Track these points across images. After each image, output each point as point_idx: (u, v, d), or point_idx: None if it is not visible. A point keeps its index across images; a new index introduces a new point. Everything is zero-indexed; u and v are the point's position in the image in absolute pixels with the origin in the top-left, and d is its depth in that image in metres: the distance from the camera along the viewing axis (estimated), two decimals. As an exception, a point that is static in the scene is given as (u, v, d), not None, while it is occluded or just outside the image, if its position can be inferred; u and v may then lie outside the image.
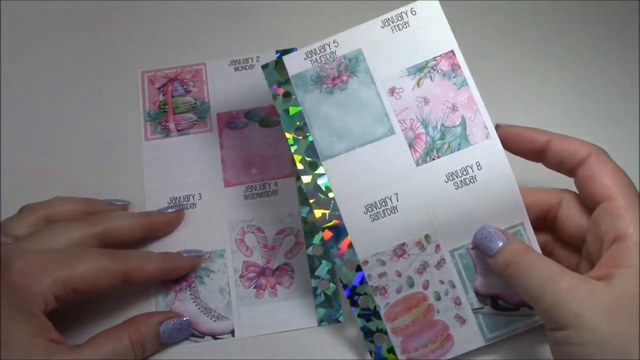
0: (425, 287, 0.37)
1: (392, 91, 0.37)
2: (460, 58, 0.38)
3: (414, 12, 0.38)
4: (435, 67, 0.38)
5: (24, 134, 0.46)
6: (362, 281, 0.37)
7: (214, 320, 0.40)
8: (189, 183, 0.43)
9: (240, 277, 0.41)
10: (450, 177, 0.37)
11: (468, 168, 0.37)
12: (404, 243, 0.37)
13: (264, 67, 0.38)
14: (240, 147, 0.44)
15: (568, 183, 0.37)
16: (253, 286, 0.41)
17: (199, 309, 0.40)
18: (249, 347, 0.39)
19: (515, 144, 0.37)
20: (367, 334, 0.37)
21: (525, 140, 0.36)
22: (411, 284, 0.37)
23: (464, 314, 0.37)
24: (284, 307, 0.40)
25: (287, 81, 0.38)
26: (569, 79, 0.47)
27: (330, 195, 0.37)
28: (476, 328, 0.37)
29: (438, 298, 0.37)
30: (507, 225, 0.37)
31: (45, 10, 0.50)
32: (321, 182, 0.37)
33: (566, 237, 0.37)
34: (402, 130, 0.37)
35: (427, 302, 0.37)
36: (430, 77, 0.38)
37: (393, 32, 0.38)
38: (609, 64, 0.47)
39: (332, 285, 0.41)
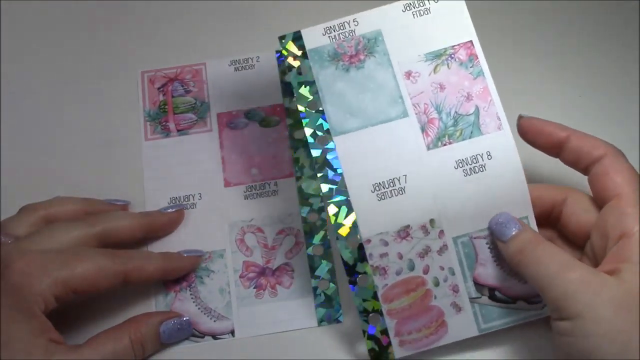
0: (426, 271, 0.37)
1: (408, 75, 0.38)
2: (478, 49, 0.38)
3: (436, 0, 0.39)
4: (453, 55, 0.38)
5: (24, 134, 0.46)
6: (363, 259, 0.36)
7: (214, 320, 0.40)
8: (189, 183, 0.43)
9: (240, 277, 0.41)
10: (460, 164, 0.37)
11: (478, 157, 0.37)
12: (409, 225, 0.37)
13: (281, 37, 0.38)
14: (240, 147, 0.44)
15: (574, 184, 0.37)
16: (253, 286, 0.41)
17: (199, 309, 0.40)
18: (249, 347, 0.39)
19: (535, 136, 0.37)
20: (363, 313, 0.37)
21: (545, 134, 0.37)
22: (411, 267, 0.37)
23: (461, 302, 0.37)
24: (284, 307, 0.40)
25: (304, 55, 0.38)
26: (569, 79, 0.47)
27: (339, 170, 0.37)
28: (471, 317, 0.37)
29: (437, 284, 0.37)
30: None
31: (45, 10, 0.50)
32: (330, 157, 0.37)
33: (569, 233, 0.37)
34: (416, 114, 0.37)
35: (425, 287, 0.37)
36: (448, 64, 0.38)
37: (414, 17, 0.38)
38: (609, 64, 0.47)
39: (332, 285, 0.41)
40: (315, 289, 0.40)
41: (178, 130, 0.45)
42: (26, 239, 0.36)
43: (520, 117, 0.38)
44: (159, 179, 0.44)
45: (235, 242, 0.42)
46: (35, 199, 0.40)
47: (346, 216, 0.36)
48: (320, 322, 0.40)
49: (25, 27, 0.50)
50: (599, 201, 0.36)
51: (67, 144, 0.45)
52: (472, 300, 0.37)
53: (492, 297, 0.37)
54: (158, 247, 0.41)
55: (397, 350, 0.36)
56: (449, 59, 0.38)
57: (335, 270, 0.41)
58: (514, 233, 0.35)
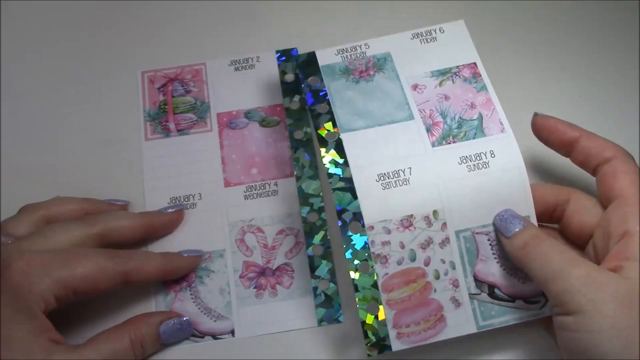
0: (427, 263, 0.37)
1: (415, 87, 0.40)
2: (481, 69, 0.41)
3: (442, 31, 0.42)
4: (457, 73, 0.41)
5: (24, 134, 0.46)
6: (365, 246, 0.37)
7: (214, 320, 0.40)
8: (189, 183, 0.43)
9: (240, 277, 0.41)
10: (464, 160, 0.38)
11: (482, 154, 0.38)
12: (412, 215, 0.37)
13: (296, 57, 0.41)
14: (240, 147, 0.44)
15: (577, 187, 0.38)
16: (253, 286, 0.41)
17: (199, 309, 0.40)
18: (249, 347, 0.39)
19: (548, 134, 0.38)
20: (362, 301, 0.37)
21: (557, 133, 0.38)
22: (413, 258, 0.37)
23: (460, 297, 0.37)
24: (284, 307, 0.40)
25: (316, 71, 0.40)
26: (569, 79, 0.47)
27: (343, 161, 0.37)
28: (470, 313, 0.37)
29: (437, 277, 0.37)
30: None
31: (45, 10, 0.50)
32: (338, 152, 0.38)
33: (571, 233, 0.38)
34: (421, 117, 0.39)
35: (425, 279, 0.37)
36: (452, 80, 0.40)
37: (421, 43, 0.42)
38: (609, 64, 0.47)
39: (332, 285, 0.41)
40: (315, 289, 0.40)
41: (178, 130, 0.45)
42: (26, 239, 0.36)
43: (535, 115, 0.39)
44: (159, 179, 0.44)
45: (235, 242, 0.42)
46: (35, 199, 0.40)
47: (350, 204, 0.37)
48: (320, 322, 0.40)
49: (25, 27, 0.50)
50: (605, 202, 0.36)
51: (67, 143, 0.45)
52: (472, 296, 0.37)
53: (491, 294, 0.37)
54: (158, 247, 0.41)
55: (394, 343, 0.36)
56: (454, 76, 0.40)
57: (335, 270, 0.41)
58: (519, 228, 0.35)
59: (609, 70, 0.47)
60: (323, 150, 0.38)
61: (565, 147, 0.38)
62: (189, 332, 0.39)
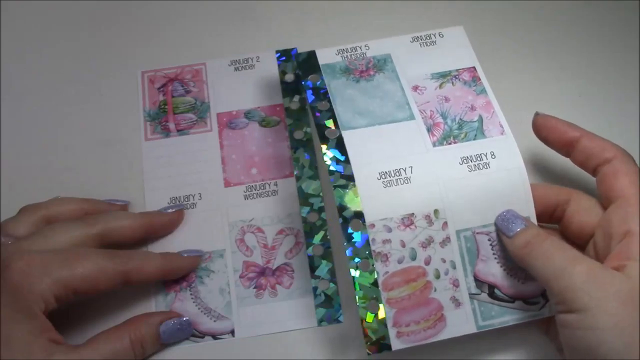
0: (427, 262, 0.37)
1: (415, 88, 0.41)
2: (480, 73, 0.41)
3: (441, 35, 0.43)
4: (457, 76, 0.41)
5: (24, 134, 0.46)
6: (365, 244, 0.36)
7: (214, 320, 0.40)
8: (189, 183, 0.43)
9: (240, 277, 0.41)
10: (465, 160, 0.38)
11: (482, 155, 0.38)
12: (413, 213, 0.37)
13: (296, 56, 0.41)
14: (240, 147, 0.44)
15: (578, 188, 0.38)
16: (253, 286, 0.41)
17: (199, 309, 0.40)
18: (249, 347, 0.39)
19: (548, 134, 0.39)
20: (362, 299, 0.36)
21: (558, 132, 0.38)
22: (414, 257, 0.37)
23: (460, 297, 0.37)
24: (284, 307, 0.40)
25: (317, 69, 0.40)
26: (569, 79, 0.47)
27: (345, 160, 0.38)
28: (470, 313, 0.37)
29: (437, 276, 0.37)
30: None
31: (45, 10, 0.50)
32: (339, 150, 0.38)
33: (571, 234, 0.38)
34: (422, 118, 0.39)
35: (425, 279, 0.37)
36: (452, 82, 0.41)
37: (421, 47, 0.42)
38: (609, 64, 0.47)
39: (332, 285, 0.41)
40: (315, 289, 0.40)
41: (178, 130, 0.45)
42: (26, 240, 0.36)
43: (536, 114, 0.39)
44: (159, 179, 0.44)
45: (235, 242, 0.42)
46: (35, 199, 0.40)
47: (351, 201, 0.37)
48: (320, 322, 0.40)
49: (25, 27, 0.50)
50: (605, 202, 0.36)
51: (67, 143, 0.45)
52: (472, 296, 0.37)
53: (491, 294, 0.37)
54: (158, 247, 0.41)
55: (394, 342, 0.36)
56: (454, 78, 0.41)
57: (335, 270, 0.41)
58: (520, 229, 0.36)
59: (609, 70, 0.47)
60: (324, 147, 0.38)
61: (566, 147, 0.38)
62: (189, 332, 0.39)
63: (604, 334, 0.30)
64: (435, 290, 0.37)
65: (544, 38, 0.48)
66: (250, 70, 0.47)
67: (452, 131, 0.39)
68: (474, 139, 0.39)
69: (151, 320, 0.38)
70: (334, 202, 0.37)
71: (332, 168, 0.37)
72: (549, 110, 0.40)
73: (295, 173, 0.43)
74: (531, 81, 0.47)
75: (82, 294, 0.36)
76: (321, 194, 0.42)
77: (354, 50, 0.42)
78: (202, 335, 0.40)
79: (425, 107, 0.40)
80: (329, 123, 0.38)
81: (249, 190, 0.43)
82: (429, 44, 0.42)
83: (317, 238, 0.42)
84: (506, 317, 0.37)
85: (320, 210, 0.42)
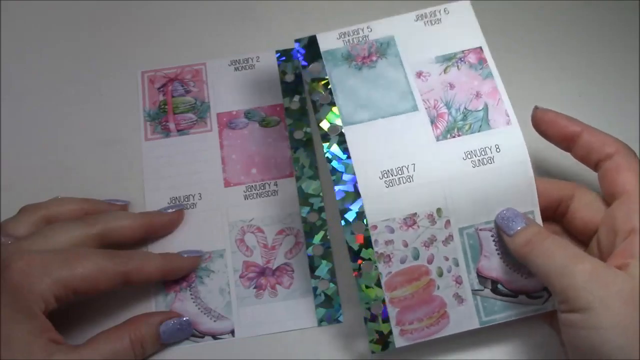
0: (430, 261, 0.37)
1: (419, 74, 0.39)
2: (487, 54, 0.40)
3: (447, 12, 0.41)
4: (463, 59, 0.40)
5: (24, 134, 0.46)
6: (368, 246, 0.36)
7: (214, 320, 0.40)
8: (189, 183, 0.43)
9: (240, 277, 0.41)
10: (469, 155, 0.37)
11: (487, 149, 0.38)
12: (415, 213, 0.37)
13: (297, 40, 0.40)
14: (240, 147, 0.44)
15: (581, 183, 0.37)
16: (253, 286, 0.41)
17: (199, 309, 0.40)
18: (249, 347, 0.39)
19: (548, 128, 0.38)
20: (365, 299, 0.36)
21: (558, 126, 0.38)
22: (416, 256, 0.37)
23: (463, 293, 0.37)
24: (284, 307, 0.40)
25: (317, 56, 0.39)
26: (569, 79, 0.47)
27: (347, 159, 0.37)
28: (473, 309, 0.37)
29: (440, 274, 0.37)
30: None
31: (45, 10, 0.50)
32: (341, 147, 0.37)
33: (574, 229, 0.38)
34: (426, 109, 0.38)
35: (429, 277, 0.37)
36: (457, 66, 0.39)
37: (425, 25, 0.40)
38: (609, 64, 0.47)
39: (332, 285, 0.41)
40: (315, 289, 0.40)
41: (178, 130, 0.45)
42: (26, 240, 0.36)
43: (535, 108, 0.39)
44: (159, 179, 0.44)
45: (235, 242, 0.42)
46: (35, 199, 0.40)
47: (354, 202, 0.37)
48: (320, 322, 0.40)
49: (25, 27, 0.50)
50: (608, 198, 0.36)
51: (67, 143, 0.45)
52: (475, 292, 0.37)
53: (494, 290, 0.37)
54: (158, 247, 0.41)
55: (397, 340, 0.36)
56: (459, 61, 0.40)
57: (335, 270, 0.41)
58: (520, 227, 0.35)
59: (609, 70, 0.47)
60: (325, 145, 0.37)
61: (566, 141, 0.38)
62: (189, 332, 0.39)
63: (607, 333, 0.30)
64: (438, 288, 0.37)
65: (544, 38, 0.48)
66: (250, 70, 0.47)
67: (456, 122, 0.38)
68: (479, 131, 0.38)
69: (151, 320, 0.38)
70: (334, 202, 0.37)
71: (333, 166, 0.37)
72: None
73: (295, 173, 0.43)
74: (531, 81, 0.47)
75: (82, 294, 0.36)
76: (321, 194, 0.42)
77: (356, 33, 0.40)
78: (202, 335, 0.40)
79: (429, 96, 0.39)
80: (330, 117, 0.38)
81: (249, 190, 0.43)
82: (433, 23, 0.40)
83: (317, 238, 0.42)
84: (509, 311, 0.37)
85: (320, 210, 0.42)
